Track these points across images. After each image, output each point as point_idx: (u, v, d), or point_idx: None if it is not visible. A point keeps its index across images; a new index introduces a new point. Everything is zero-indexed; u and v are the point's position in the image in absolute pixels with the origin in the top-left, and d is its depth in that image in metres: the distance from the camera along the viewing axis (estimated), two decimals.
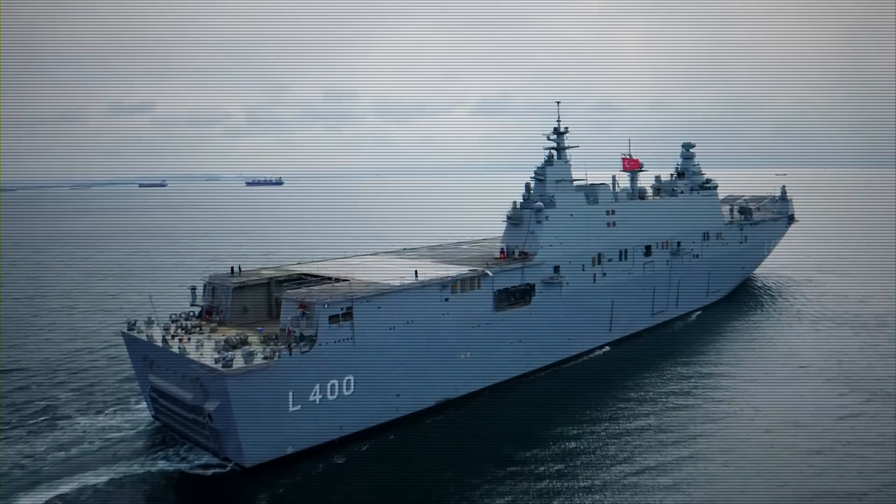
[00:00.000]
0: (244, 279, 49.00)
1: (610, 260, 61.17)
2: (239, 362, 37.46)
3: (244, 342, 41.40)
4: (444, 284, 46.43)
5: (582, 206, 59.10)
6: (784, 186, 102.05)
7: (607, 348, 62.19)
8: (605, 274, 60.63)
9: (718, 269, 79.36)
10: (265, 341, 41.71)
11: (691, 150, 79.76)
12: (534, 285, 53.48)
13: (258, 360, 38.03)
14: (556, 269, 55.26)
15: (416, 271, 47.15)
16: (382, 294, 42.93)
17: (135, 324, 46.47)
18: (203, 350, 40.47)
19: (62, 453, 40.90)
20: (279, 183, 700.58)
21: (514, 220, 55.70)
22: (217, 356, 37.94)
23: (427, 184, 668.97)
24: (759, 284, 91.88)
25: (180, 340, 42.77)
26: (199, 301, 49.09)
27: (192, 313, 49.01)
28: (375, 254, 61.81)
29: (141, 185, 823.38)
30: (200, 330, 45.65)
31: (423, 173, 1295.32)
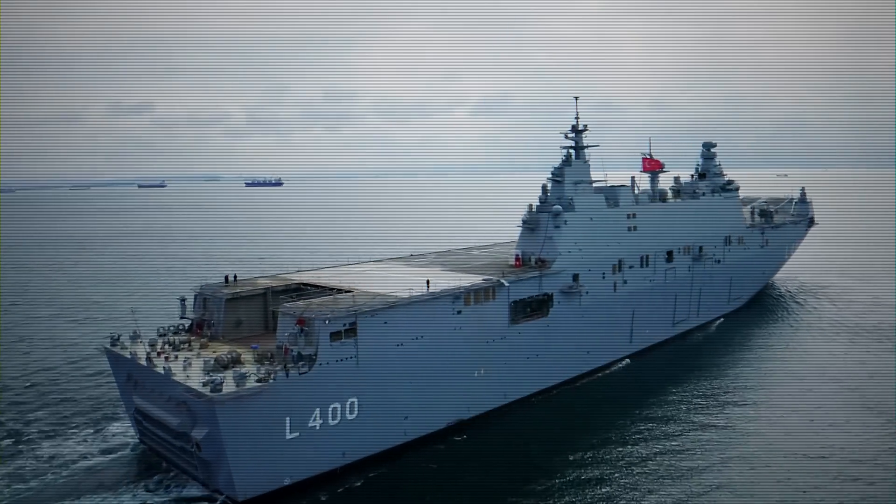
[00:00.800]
0: (238, 290, 44.98)
1: (631, 267, 57.14)
2: (230, 385, 33.48)
3: (236, 361, 37.38)
4: (457, 296, 42.41)
5: (602, 209, 55.02)
6: (804, 188, 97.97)
7: (627, 361, 58.20)
8: (625, 282, 56.59)
9: (740, 275, 75.38)
10: (259, 360, 37.70)
11: (712, 150, 75.65)
12: (552, 295, 49.46)
13: (251, 382, 34.02)
14: (576, 277, 51.24)
15: (427, 281, 43.10)
16: (389, 307, 38.90)
17: (118, 338, 42.53)
18: (190, 370, 36.51)
19: (35, 482, 36.97)
20: (279, 184, 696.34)
21: (529, 224, 51.60)
22: (205, 378, 33.98)
23: (428, 184, 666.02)
24: (780, 291, 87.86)
25: (166, 358, 38.83)
26: (188, 313, 45.13)
27: (181, 326, 45.08)
28: (381, 260, 57.77)
29: (140, 186, 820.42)
30: (189, 346, 41.67)
31: (424, 174, 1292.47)
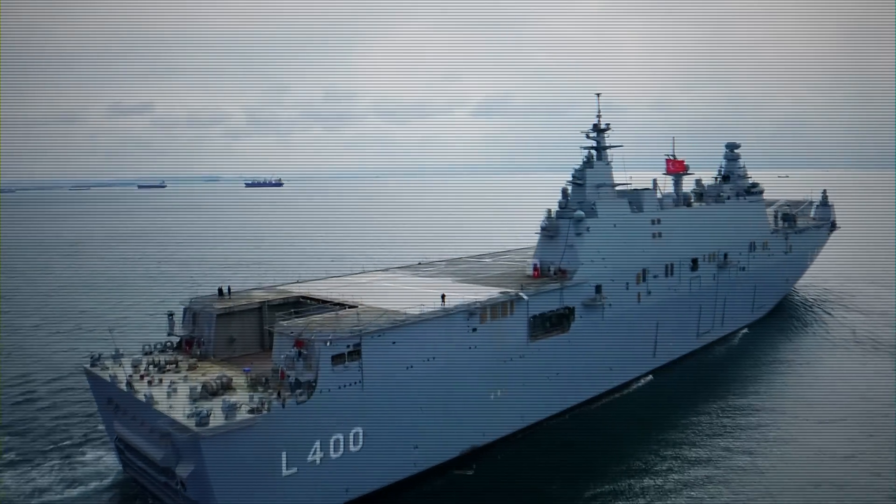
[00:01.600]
0: (231, 304, 40.90)
1: (655, 276, 53.08)
2: (218, 417, 29.49)
3: (227, 387, 33.36)
4: (472, 312, 38.36)
5: (626, 214, 50.96)
6: (825, 191, 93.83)
7: (650, 378, 54.17)
8: (649, 292, 52.54)
9: (764, 283, 71.35)
10: (253, 385, 33.68)
11: (735, 151, 71.52)
12: (573, 308, 45.42)
13: (242, 413, 30.01)
14: (598, 288, 47.17)
15: (443, 295, 38.98)
16: (398, 326, 34.85)
17: (99, 358, 38.59)
18: (175, 397, 32.53)
19: None
20: (279, 184, 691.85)
21: (549, 231, 47.50)
22: (191, 408, 29.98)
23: (429, 185, 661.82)
24: (803, 298, 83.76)
25: (149, 382, 34.84)
26: (177, 330, 41.11)
27: (169, 344, 41.10)
28: (387, 269, 53.67)
29: (140, 187, 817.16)
30: (177, 366, 37.66)
31: (425, 174, 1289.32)
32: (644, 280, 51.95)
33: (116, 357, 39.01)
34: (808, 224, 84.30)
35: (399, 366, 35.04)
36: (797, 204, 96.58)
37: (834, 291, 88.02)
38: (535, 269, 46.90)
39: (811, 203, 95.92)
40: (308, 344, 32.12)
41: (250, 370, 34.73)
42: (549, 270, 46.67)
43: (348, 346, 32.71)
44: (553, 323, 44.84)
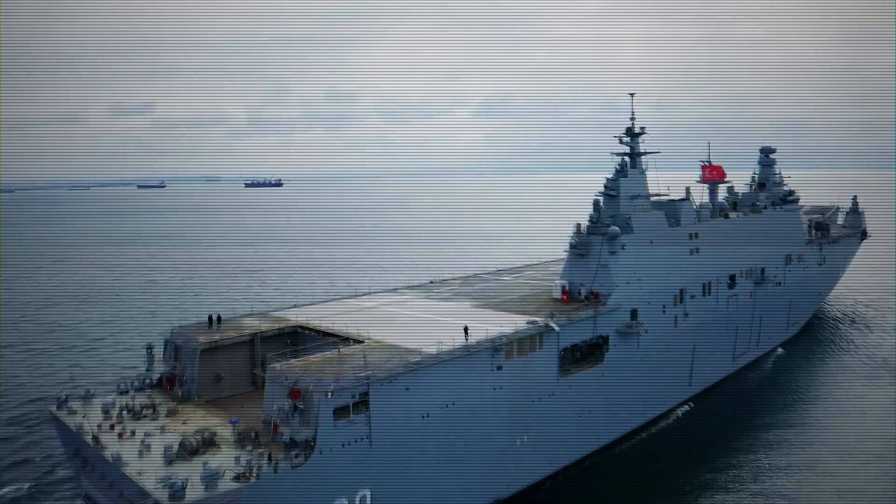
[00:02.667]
0: (217, 337, 35.50)
1: (693, 297, 47.79)
2: (196, 487, 24.24)
3: (209, 443, 28.08)
4: (497, 347, 33.05)
5: (663, 229, 45.61)
6: (856, 197, 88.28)
7: (686, 407, 48.95)
8: (686, 314, 47.27)
9: (798, 297, 66.04)
10: (241, 441, 28.37)
11: (771, 157, 66.00)
12: (607, 337, 40.13)
13: (226, 482, 24.76)
14: (633, 313, 41.88)
15: (466, 329, 33.60)
16: (412, 370, 29.54)
17: (66, 400, 33.39)
18: (148, 456, 27.35)
19: None
20: (279, 184, 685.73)
21: (579, 249, 42.08)
22: (164, 474, 24.72)
23: (430, 185, 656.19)
24: (836, 313, 78.36)
25: (120, 434, 29.65)
26: (157, 365, 35.86)
27: (148, 381, 35.83)
28: (395, 289, 48.19)
29: (140, 187, 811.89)
30: (154, 412, 32.39)
31: (426, 174, 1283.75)
32: (681, 301, 46.68)
33: (87, 398, 33.90)
34: (840, 233, 78.92)
35: (413, 415, 29.77)
36: (825, 210, 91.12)
37: (865, 303, 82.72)
38: (563, 291, 41.57)
39: (838, 209, 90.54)
40: (305, 395, 26.86)
41: (237, 421, 29.38)
42: (580, 294, 41.33)
43: (353, 397, 27.44)
44: (584, 354, 39.56)
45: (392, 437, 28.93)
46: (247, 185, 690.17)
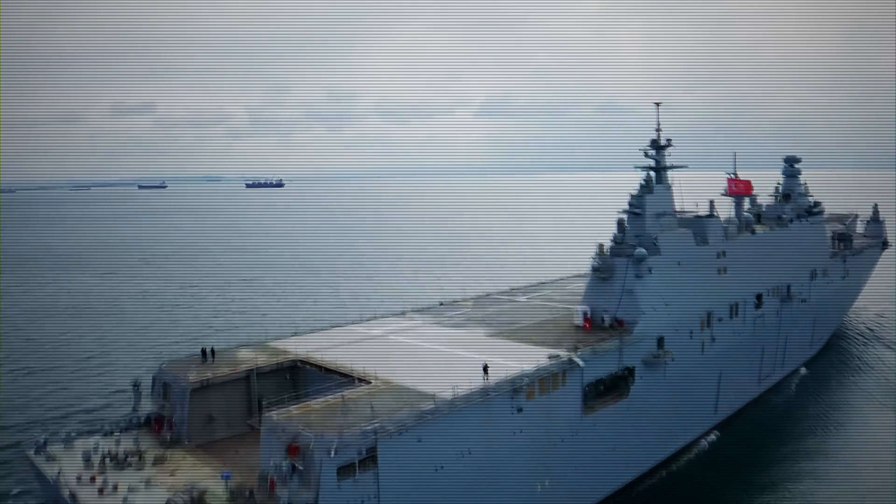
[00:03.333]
0: (210, 374, 32.48)
1: (720, 319, 44.73)
2: None
3: (199, 502, 25.06)
4: (517, 389, 30.01)
5: (691, 249, 42.51)
6: (876, 205, 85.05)
7: (713, 436, 45.92)
8: (713, 339, 44.22)
9: (822, 313, 62.99)
10: (233, 499, 25.36)
11: (795, 166, 62.82)
12: (633, 369, 37.08)
13: None
14: (661, 341, 38.82)
15: (485, 368, 30.45)
16: (426, 421, 26.47)
17: (45, 444, 30.48)
18: None
19: None
20: (280, 185, 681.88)
21: (602, 273, 38.99)
22: None
23: (431, 186, 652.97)
24: (858, 328, 75.20)
25: (101, 490, 26.62)
26: (143, 405, 32.91)
27: (134, 421, 32.88)
28: (403, 313, 45.07)
29: (140, 187, 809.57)
30: (140, 459, 29.39)
31: (427, 175, 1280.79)
32: (708, 325, 43.61)
33: (67, 441, 31.02)
34: (863, 244, 75.80)
35: (426, 468, 26.75)
36: (843, 218, 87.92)
37: (887, 316, 79.53)
38: (585, 318, 38.47)
39: (856, 217, 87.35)
40: (305, 452, 23.83)
41: (230, 476, 26.33)
42: (603, 321, 38.26)
43: (360, 453, 24.42)
44: (607, 387, 36.52)
45: (402, 494, 25.90)
46: (248, 186, 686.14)
